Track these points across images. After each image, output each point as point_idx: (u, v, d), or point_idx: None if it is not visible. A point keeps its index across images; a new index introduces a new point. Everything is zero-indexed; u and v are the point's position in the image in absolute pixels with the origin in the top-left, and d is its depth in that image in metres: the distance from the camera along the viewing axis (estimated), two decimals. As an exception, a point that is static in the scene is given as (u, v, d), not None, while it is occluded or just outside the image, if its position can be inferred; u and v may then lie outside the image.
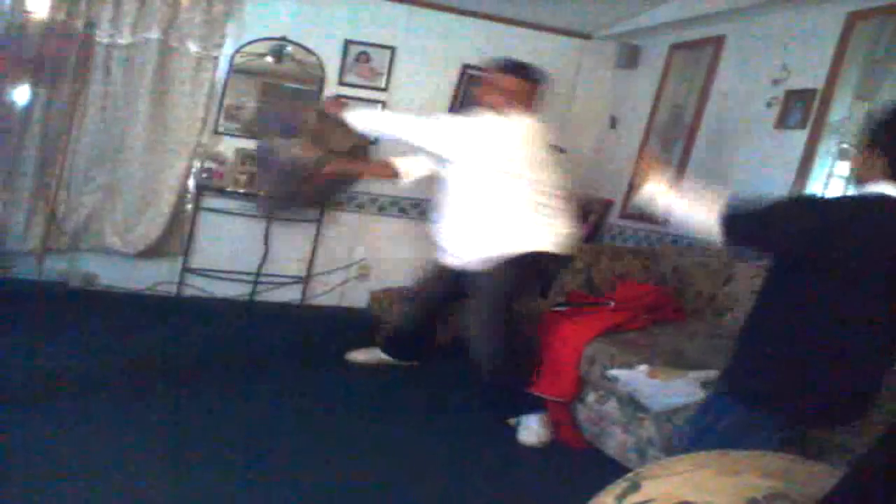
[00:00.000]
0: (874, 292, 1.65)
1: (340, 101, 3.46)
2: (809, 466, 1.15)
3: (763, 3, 3.63)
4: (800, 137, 3.39)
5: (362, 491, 2.27)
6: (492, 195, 2.88)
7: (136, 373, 2.95)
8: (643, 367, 2.55)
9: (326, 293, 4.61)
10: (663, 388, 2.45)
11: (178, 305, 4.20)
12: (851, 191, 2.07)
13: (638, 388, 2.54)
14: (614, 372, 2.65)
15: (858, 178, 1.77)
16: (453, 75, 4.61)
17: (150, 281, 4.25)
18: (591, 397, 2.84)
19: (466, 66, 4.58)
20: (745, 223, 1.79)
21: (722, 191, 1.93)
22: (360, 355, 3.49)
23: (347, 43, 4.40)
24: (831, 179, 3.24)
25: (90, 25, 3.82)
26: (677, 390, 2.42)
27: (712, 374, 2.52)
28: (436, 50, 4.53)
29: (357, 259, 4.62)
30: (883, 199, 1.64)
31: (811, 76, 3.40)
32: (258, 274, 4.43)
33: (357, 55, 4.43)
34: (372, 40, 4.44)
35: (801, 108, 3.41)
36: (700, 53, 4.17)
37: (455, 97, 4.64)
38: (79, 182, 4.00)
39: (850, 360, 1.70)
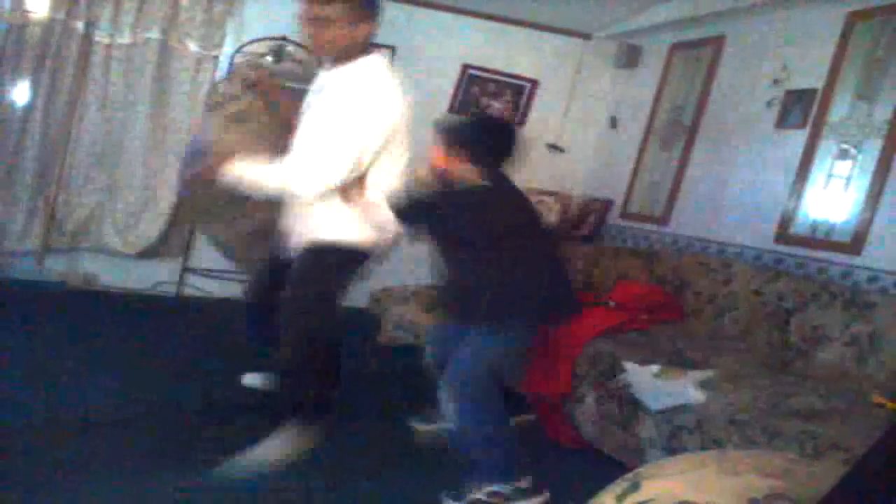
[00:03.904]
0: None
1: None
2: (809, 466, 1.15)
3: (763, 3, 3.64)
4: (800, 137, 3.39)
5: (358, 492, 2.27)
6: None
7: (136, 373, 2.95)
8: (655, 368, 2.56)
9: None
10: (664, 388, 2.45)
11: (177, 305, 4.20)
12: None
13: (640, 385, 2.54)
14: (625, 363, 2.66)
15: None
16: (453, 75, 4.61)
17: (150, 281, 4.25)
18: (590, 397, 2.84)
19: (466, 66, 4.58)
20: None
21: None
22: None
23: (347, 43, 4.39)
24: (831, 179, 3.24)
25: (90, 25, 3.82)
26: (677, 390, 2.43)
27: (711, 374, 2.53)
28: (436, 50, 4.53)
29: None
30: None
31: (811, 76, 3.40)
32: (258, 274, 4.42)
33: (357, 55, 4.42)
34: (372, 40, 4.43)
35: (801, 108, 3.41)
36: (700, 53, 4.17)
37: (455, 97, 4.64)
38: (79, 182, 4.00)
39: None
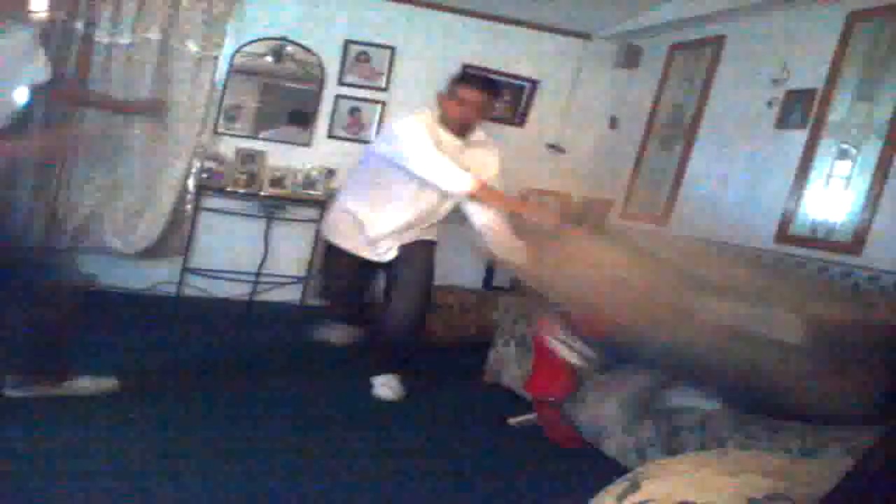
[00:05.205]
0: None
1: None
2: (809, 466, 1.15)
3: (763, 3, 3.64)
4: (800, 137, 3.39)
5: (359, 494, 2.27)
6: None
7: (136, 373, 2.94)
8: None
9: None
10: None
11: (177, 305, 4.20)
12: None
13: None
14: None
15: None
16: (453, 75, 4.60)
17: (150, 281, 4.25)
18: (590, 397, 2.83)
19: (466, 66, 4.58)
20: None
21: None
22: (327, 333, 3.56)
23: (347, 43, 4.40)
24: (831, 179, 3.24)
25: (90, 25, 3.82)
26: (686, 391, 2.43)
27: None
28: (436, 50, 4.53)
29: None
30: None
31: (811, 76, 3.40)
32: (258, 274, 4.43)
33: (357, 55, 4.43)
34: (372, 40, 4.44)
35: (801, 108, 3.41)
36: (700, 53, 4.17)
37: (455, 97, 4.63)
38: (79, 182, 4.00)
39: None
